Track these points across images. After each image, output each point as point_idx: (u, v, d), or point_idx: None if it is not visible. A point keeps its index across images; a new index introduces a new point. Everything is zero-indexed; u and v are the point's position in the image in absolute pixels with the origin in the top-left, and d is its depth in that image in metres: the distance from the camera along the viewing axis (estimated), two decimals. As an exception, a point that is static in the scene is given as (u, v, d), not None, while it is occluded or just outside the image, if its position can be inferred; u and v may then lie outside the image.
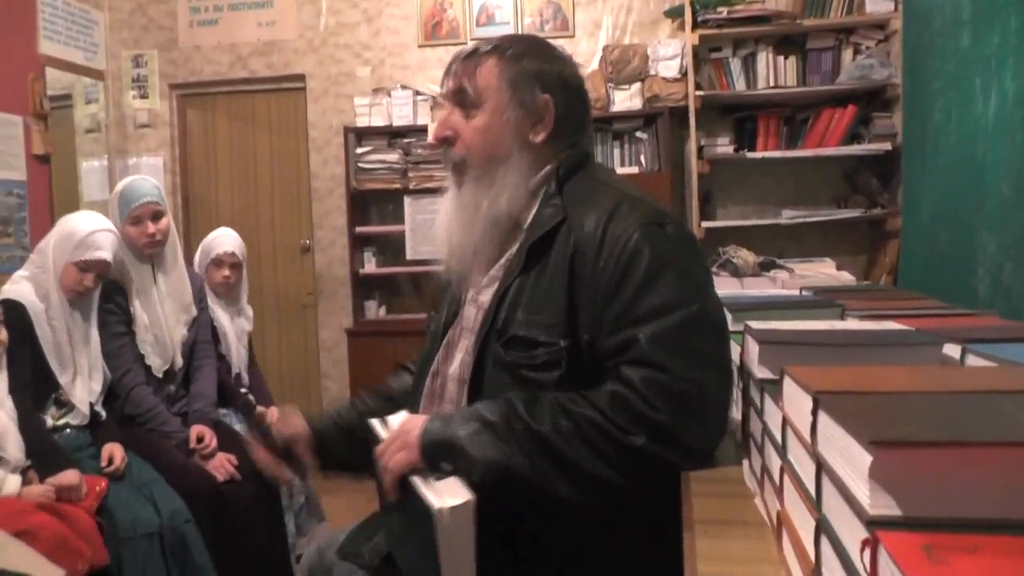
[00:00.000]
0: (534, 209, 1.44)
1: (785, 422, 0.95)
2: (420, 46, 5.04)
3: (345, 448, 1.64)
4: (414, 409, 1.52)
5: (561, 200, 1.41)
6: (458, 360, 1.46)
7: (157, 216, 2.83)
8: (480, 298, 1.47)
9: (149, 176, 3.03)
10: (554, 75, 1.47)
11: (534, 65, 1.45)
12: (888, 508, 0.60)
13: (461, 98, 1.47)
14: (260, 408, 3.34)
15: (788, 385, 0.93)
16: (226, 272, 3.32)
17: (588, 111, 1.55)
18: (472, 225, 1.45)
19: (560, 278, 1.34)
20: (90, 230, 2.61)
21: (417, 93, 4.87)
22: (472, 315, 1.47)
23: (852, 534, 0.65)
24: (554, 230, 1.38)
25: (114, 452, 2.59)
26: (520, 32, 4.80)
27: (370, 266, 5.02)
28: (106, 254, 2.61)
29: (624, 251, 1.29)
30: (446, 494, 1.18)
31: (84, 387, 2.64)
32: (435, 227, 1.58)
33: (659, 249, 1.29)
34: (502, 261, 1.46)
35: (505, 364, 1.35)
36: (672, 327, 1.24)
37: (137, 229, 2.81)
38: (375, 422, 1.45)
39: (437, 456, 1.27)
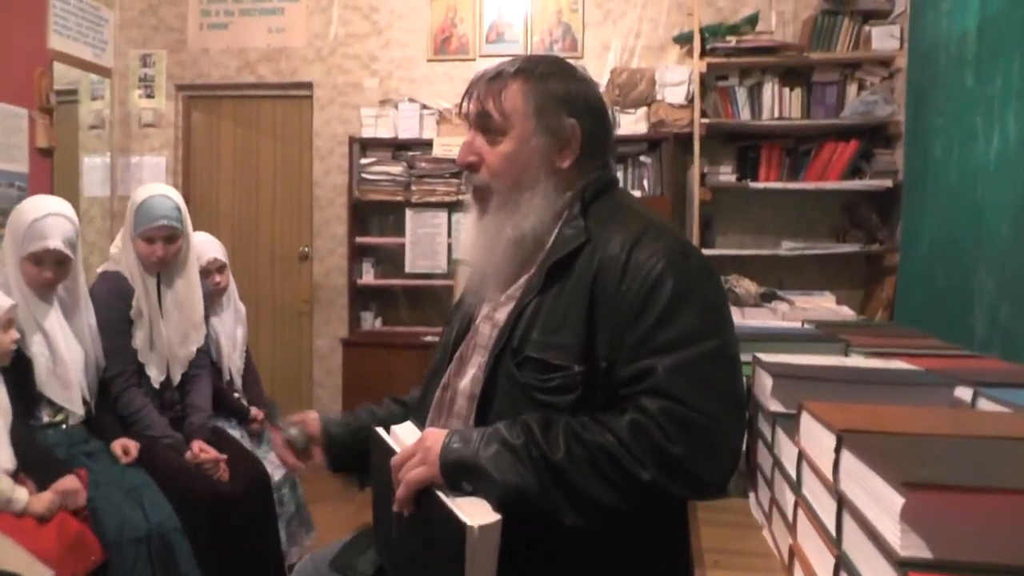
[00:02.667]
0: (556, 230, 1.44)
1: (801, 457, 0.96)
2: (429, 60, 5.06)
3: (353, 447, 1.65)
4: (421, 418, 1.52)
5: (585, 222, 1.41)
6: (470, 376, 1.46)
7: (171, 239, 2.78)
8: (496, 315, 1.46)
9: (171, 191, 2.89)
10: (580, 98, 1.46)
11: (560, 88, 1.45)
12: (918, 550, 0.61)
13: (485, 122, 1.46)
14: (253, 410, 3.34)
15: (807, 421, 0.94)
16: (216, 279, 3.30)
17: (611, 133, 1.56)
18: (493, 249, 1.45)
19: (581, 298, 1.33)
20: (33, 218, 2.48)
21: (424, 107, 4.89)
22: (487, 332, 1.47)
23: (877, 573, 0.66)
24: (577, 251, 1.37)
25: (128, 445, 2.59)
26: (531, 51, 4.82)
27: (368, 277, 5.03)
28: (54, 242, 2.46)
29: (648, 277, 1.29)
30: (474, 512, 1.18)
31: (71, 386, 2.57)
32: (459, 243, 1.59)
33: (683, 279, 1.29)
34: (521, 281, 1.46)
35: (519, 384, 1.35)
36: (691, 360, 1.24)
37: (148, 247, 2.76)
38: (380, 431, 1.45)
39: (458, 475, 1.27)
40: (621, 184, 1.63)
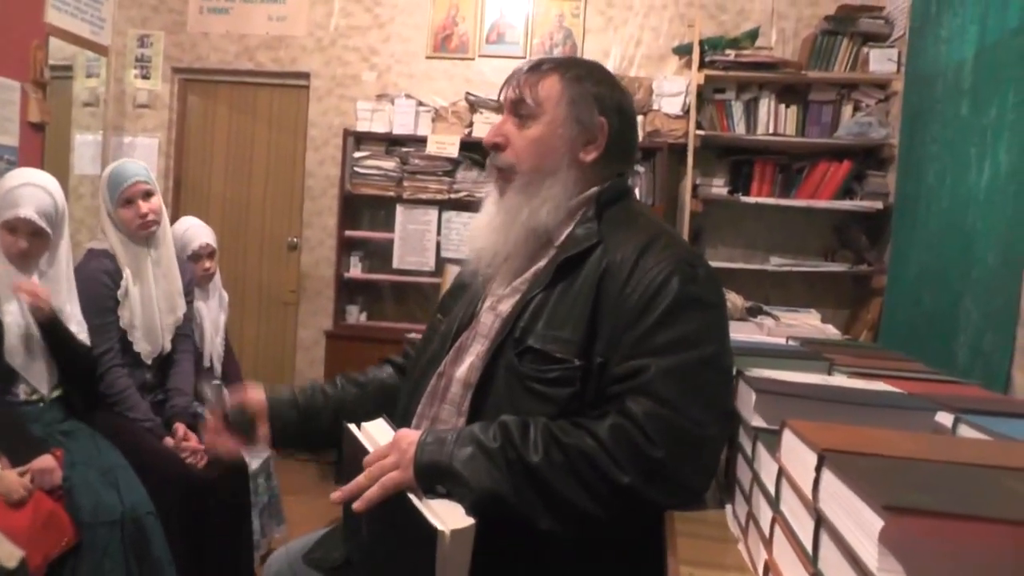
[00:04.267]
0: (569, 228, 1.46)
1: (781, 474, 0.96)
2: (428, 57, 5.06)
3: (300, 427, 1.66)
4: (410, 406, 1.52)
5: (598, 225, 1.43)
6: (467, 364, 1.46)
7: (148, 195, 2.82)
8: (500, 307, 1.48)
9: (139, 159, 3.00)
10: (613, 101, 1.50)
11: (595, 88, 1.49)
12: (895, 573, 0.61)
13: (518, 107, 1.49)
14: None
15: (788, 438, 0.94)
16: (206, 264, 3.31)
17: (636, 142, 1.59)
18: (509, 230, 1.47)
19: (586, 297, 1.35)
20: (10, 187, 2.49)
21: (420, 103, 4.88)
22: (489, 322, 1.48)
23: (852, 594, 0.66)
24: (588, 251, 1.40)
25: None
26: (531, 54, 4.83)
27: (355, 270, 5.01)
28: (26, 211, 2.45)
29: (653, 282, 1.31)
30: (447, 516, 1.18)
31: (36, 360, 2.53)
32: (471, 229, 1.59)
33: (687, 287, 1.31)
34: (527, 274, 1.47)
35: (518, 374, 1.36)
36: (685, 364, 1.25)
37: (130, 211, 2.80)
38: (352, 428, 1.44)
39: (432, 478, 1.27)
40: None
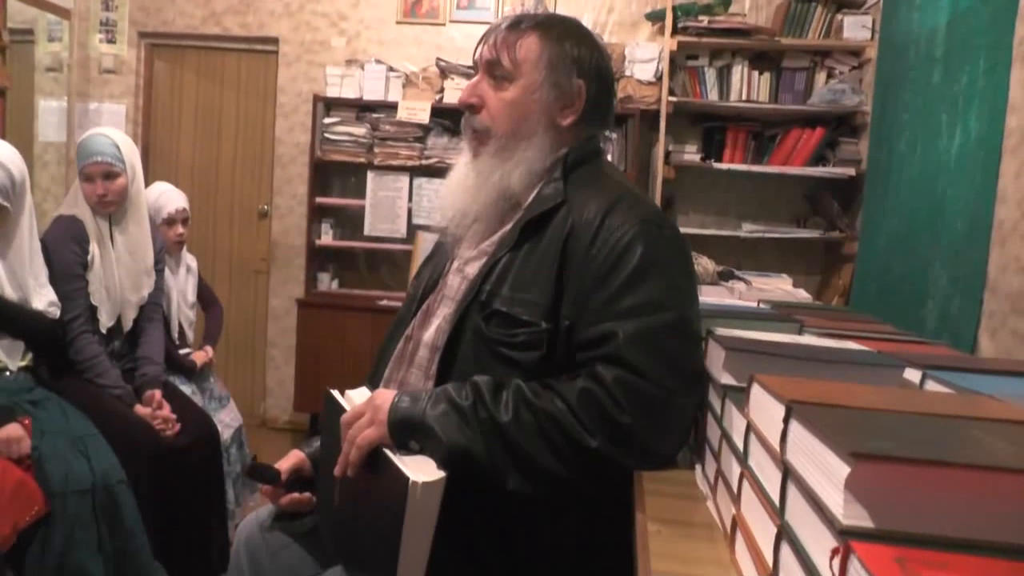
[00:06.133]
0: (536, 190, 1.44)
1: (749, 429, 0.96)
2: (398, 22, 4.99)
3: None
4: (380, 369, 1.51)
5: (565, 185, 1.41)
6: (434, 327, 1.45)
7: (109, 176, 2.77)
8: (467, 269, 1.46)
9: (115, 132, 2.88)
10: (592, 63, 1.47)
11: (575, 49, 1.46)
12: (861, 519, 0.61)
13: (494, 68, 1.46)
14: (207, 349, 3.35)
15: (757, 392, 0.94)
16: (180, 229, 3.28)
17: (613, 105, 1.56)
18: (479, 192, 1.45)
19: (551, 258, 1.34)
20: None
21: (391, 69, 4.82)
22: (456, 284, 1.46)
23: (819, 542, 0.66)
24: (552, 211, 1.38)
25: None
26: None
27: (327, 238, 4.97)
28: None
29: (619, 243, 1.30)
30: (418, 469, 1.18)
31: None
32: (442, 190, 1.56)
33: (652, 249, 1.30)
34: (495, 237, 1.46)
35: (485, 338, 1.35)
36: (651, 328, 1.25)
37: (89, 186, 2.77)
38: (334, 393, 1.44)
39: (405, 434, 1.27)
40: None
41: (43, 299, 2.59)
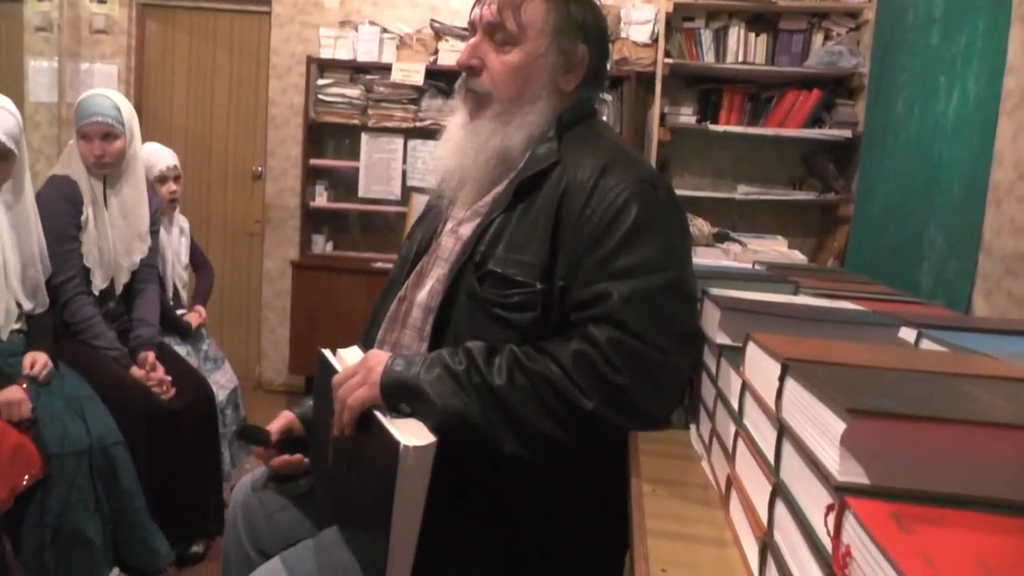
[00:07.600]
0: (531, 151, 1.42)
1: (744, 388, 0.96)
2: (392, -18, 4.93)
3: None
4: (374, 331, 1.51)
5: (559, 144, 1.40)
6: (428, 288, 1.44)
7: (108, 137, 2.74)
8: (460, 230, 1.45)
9: (115, 93, 2.85)
10: (596, 27, 1.46)
11: (580, 14, 1.44)
12: (856, 476, 0.61)
13: (496, 30, 1.42)
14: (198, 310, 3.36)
15: (752, 351, 0.94)
16: (172, 187, 3.26)
17: (606, 67, 1.54)
18: (478, 154, 1.43)
19: (546, 218, 1.33)
20: None
21: (385, 31, 4.76)
22: (450, 246, 1.45)
23: (813, 499, 0.66)
24: (547, 171, 1.37)
25: (36, 359, 2.47)
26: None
27: (321, 200, 4.95)
28: None
29: (613, 204, 1.29)
30: (410, 433, 1.17)
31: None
32: (437, 151, 1.54)
33: (647, 209, 1.29)
34: (488, 197, 1.44)
35: (479, 299, 1.34)
36: (646, 289, 1.24)
37: (86, 146, 2.74)
38: (327, 352, 1.43)
39: (398, 396, 1.26)
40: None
41: (43, 257, 2.61)
